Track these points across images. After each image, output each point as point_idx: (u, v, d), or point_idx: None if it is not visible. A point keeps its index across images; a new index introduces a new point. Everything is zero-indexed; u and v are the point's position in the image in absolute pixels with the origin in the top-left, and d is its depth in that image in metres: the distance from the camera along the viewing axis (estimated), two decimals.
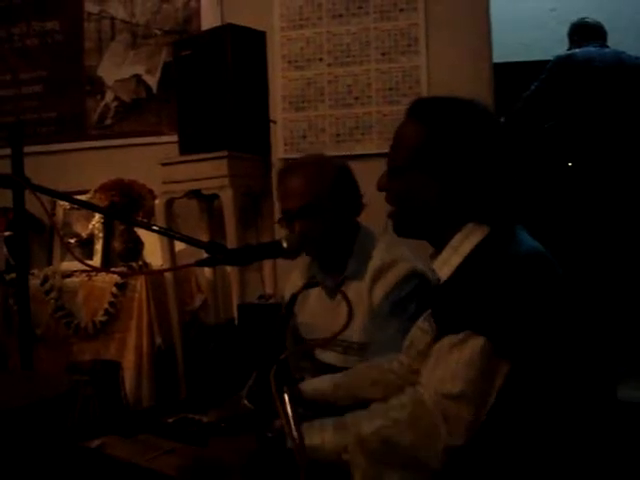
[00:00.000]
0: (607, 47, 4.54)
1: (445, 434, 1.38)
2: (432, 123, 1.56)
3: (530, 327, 1.37)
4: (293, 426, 1.14)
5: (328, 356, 2.24)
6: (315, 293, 2.31)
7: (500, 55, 3.63)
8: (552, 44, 5.21)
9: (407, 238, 1.68)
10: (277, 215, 2.28)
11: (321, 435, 1.46)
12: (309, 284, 1.96)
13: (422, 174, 1.55)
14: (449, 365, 1.42)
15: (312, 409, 1.91)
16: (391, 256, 2.16)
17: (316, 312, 2.30)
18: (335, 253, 2.22)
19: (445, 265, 1.55)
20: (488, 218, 1.54)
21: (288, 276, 2.52)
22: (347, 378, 1.94)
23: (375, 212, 2.19)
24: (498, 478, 1.43)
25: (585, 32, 4.61)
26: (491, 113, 1.63)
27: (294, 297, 1.48)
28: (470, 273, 1.47)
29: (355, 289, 2.16)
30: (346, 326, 1.31)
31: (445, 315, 1.48)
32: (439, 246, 1.59)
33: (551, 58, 4.53)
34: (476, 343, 1.38)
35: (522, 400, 1.41)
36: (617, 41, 4.67)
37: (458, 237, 1.54)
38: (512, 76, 4.50)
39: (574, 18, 4.77)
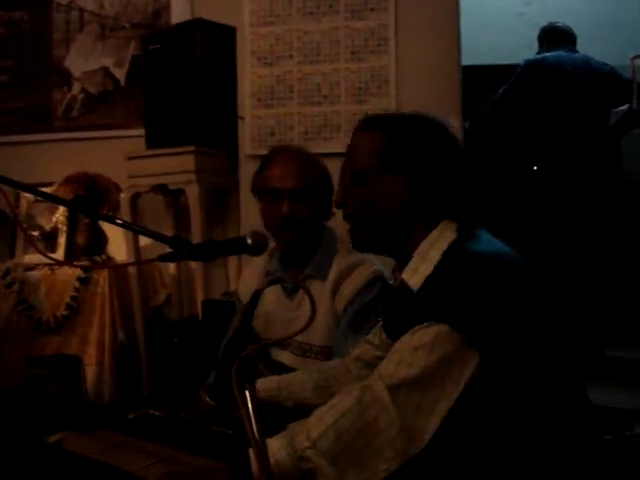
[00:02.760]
0: (577, 52, 4.57)
1: (398, 420, 1.35)
2: (389, 128, 1.60)
3: (498, 320, 1.36)
4: (254, 424, 1.13)
5: (286, 358, 2.20)
6: (272, 293, 2.26)
7: (469, 58, 3.65)
8: (521, 48, 5.26)
9: (368, 252, 1.68)
10: (244, 209, 2.25)
11: (272, 457, 1.35)
12: (274, 280, 1.95)
13: (388, 172, 1.57)
14: (407, 350, 1.40)
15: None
16: (355, 257, 2.16)
17: (273, 312, 2.25)
18: (303, 247, 2.20)
19: (415, 274, 1.52)
20: (455, 216, 1.54)
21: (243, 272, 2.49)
22: (292, 380, 1.92)
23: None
24: (471, 477, 1.41)
25: (555, 36, 4.64)
26: (437, 122, 1.67)
27: (258, 292, 1.47)
28: (441, 280, 1.45)
29: (317, 289, 2.14)
30: (310, 321, 1.30)
31: (417, 323, 1.43)
32: (403, 258, 1.58)
33: (519, 62, 4.56)
34: (439, 329, 1.37)
35: (493, 397, 1.39)
36: (585, 46, 4.72)
37: (425, 244, 1.53)
38: (480, 79, 4.53)
39: (543, 22, 4.81)
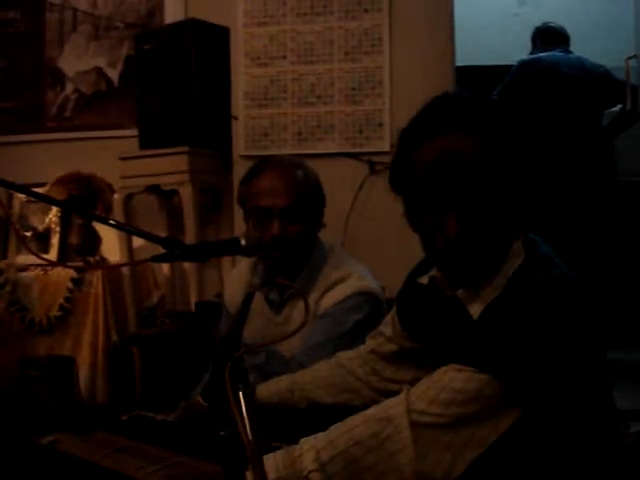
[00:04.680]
0: (571, 52, 4.58)
1: (415, 462, 1.26)
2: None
3: (551, 378, 1.24)
4: (247, 425, 1.13)
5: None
6: (256, 306, 2.11)
7: (463, 58, 3.65)
8: (515, 49, 5.27)
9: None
10: (238, 209, 2.20)
11: (277, 472, 1.29)
12: (267, 282, 1.93)
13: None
14: (447, 389, 1.28)
15: (269, 413, 1.88)
16: (341, 273, 2.09)
17: (257, 327, 2.13)
18: (290, 265, 2.11)
19: (475, 300, 1.39)
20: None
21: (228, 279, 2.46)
22: (303, 379, 1.87)
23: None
24: None
25: (549, 37, 4.64)
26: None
27: (251, 295, 1.46)
28: (502, 318, 1.29)
29: (302, 305, 2.04)
30: (303, 324, 1.29)
31: (473, 353, 1.29)
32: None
33: (514, 63, 4.56)
34: (488, 380, 1.24)
35: (527, 439, 1.29)
36: (580, 47, 4.73)
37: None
38: (475, 80, 4.53)
39: (538, 23, 4.81)
